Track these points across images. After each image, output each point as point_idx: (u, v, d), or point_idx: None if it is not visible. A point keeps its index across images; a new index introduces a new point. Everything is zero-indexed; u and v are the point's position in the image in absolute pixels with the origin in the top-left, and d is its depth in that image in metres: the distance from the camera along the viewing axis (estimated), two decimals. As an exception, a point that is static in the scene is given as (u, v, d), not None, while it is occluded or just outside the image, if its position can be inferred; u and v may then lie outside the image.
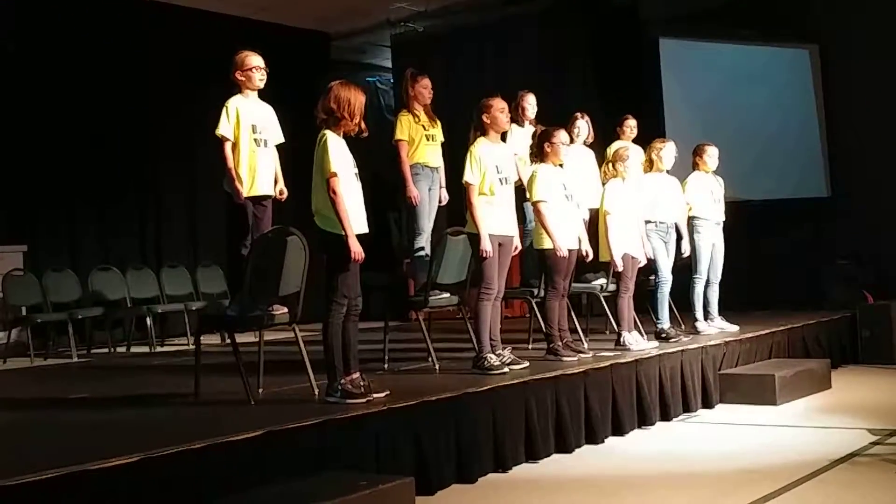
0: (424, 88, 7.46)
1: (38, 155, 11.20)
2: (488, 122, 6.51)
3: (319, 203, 5.44)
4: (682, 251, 8.33)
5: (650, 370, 7.11)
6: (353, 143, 5.61)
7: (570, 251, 7.03)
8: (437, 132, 7.53)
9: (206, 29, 12.30)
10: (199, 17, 12.45)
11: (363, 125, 5.53)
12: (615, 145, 8.61)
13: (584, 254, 7.18)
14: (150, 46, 12.13)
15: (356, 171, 5.56)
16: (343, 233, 5.34)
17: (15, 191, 11.14)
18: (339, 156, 5.41)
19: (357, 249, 5.35)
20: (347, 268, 5.38)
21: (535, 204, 6.94)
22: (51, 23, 11.42)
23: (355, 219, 5.44)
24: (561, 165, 7.16)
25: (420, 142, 7.39)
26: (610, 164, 7.77)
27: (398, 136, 7.37)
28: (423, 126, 7.42)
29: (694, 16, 12.22)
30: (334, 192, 5.33)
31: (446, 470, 5.36)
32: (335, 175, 5.34)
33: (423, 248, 7.35)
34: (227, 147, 6.05)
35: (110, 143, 11.83)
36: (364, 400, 5.28)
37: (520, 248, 6.81)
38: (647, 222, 8.01)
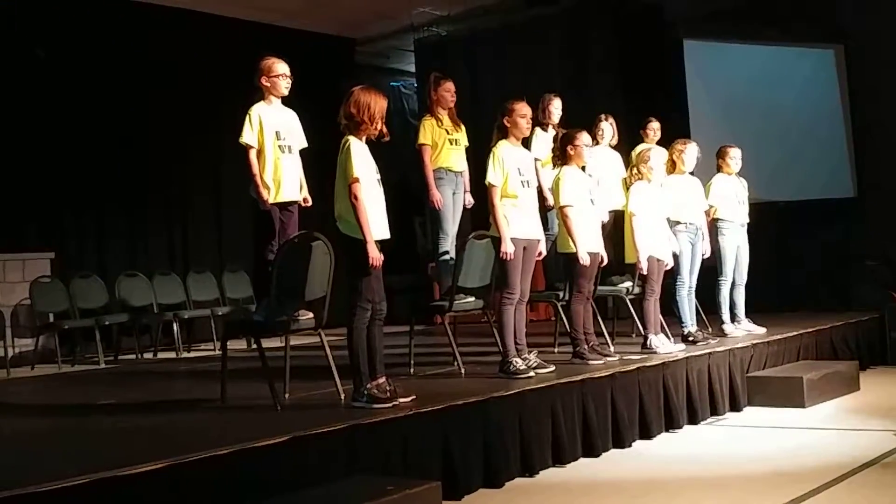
0: (447, 92, 7.44)
1: (65, 162, 11.30)
2: (509, 125, 6.50)
3: (342, 208, 5.45)
4: (704, 252, 8.29)
5: (677, 373, 7.08)
6: (378, 147, 5.62)
7: (594, 254, 7.01)
8: (461, 136, 7.52)
9: (232, 36, 12.38)
10: (225, 24, 12.54)
11: (385, 129, 5.54)
12: (639, 148, 8.60)
13: (601, 259, 7.15)
14: (176, 53, 12.20)
15: (378, 176, 5.57)
16: (363, 237, 5.35)
17: (42, 198, 11.22)
18: (361, 161, 5.43)
19: (375, 255, 5.36)
20: (369, 272, 5.39)
21: (561, 208, 6.92)
22: (79, 29, 11.51)
23: (376, 224, 5.45)
24: (583, 168, 7.14)
25: (443, 146, 7.38)
26: (636, 166, 7.75)
27: (421, 140, 7.36)
28: (447, 130, 7.41)
29: (718, 17, 12.16)
30: (355, 198, 5.35)
31: (473, 474, 5.35)
32: (357, 180, 5.36)
33: (447, 252, 7.34)
34: (252, 154, 6.06)
35: (137, 150, 11.92)
36: (390, 404, 5.28)
37: (544, 253, 6.79)
38: (677, 223, 7.98)
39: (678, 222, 8.00)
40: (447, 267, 7.21)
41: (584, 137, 7.07)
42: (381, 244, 5.48)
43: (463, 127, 7.55)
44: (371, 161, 5.54)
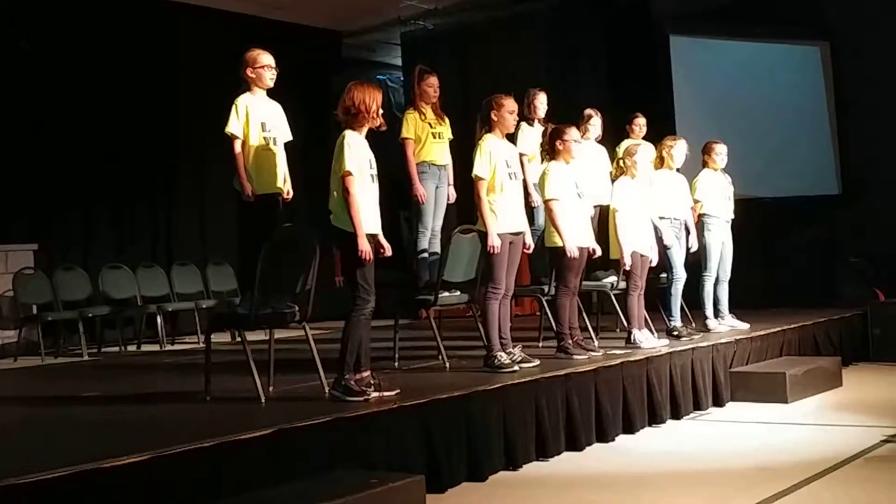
0: (430, 87, 7.43)
1: (49, 154, 11.22)
2: (496, 119, 6.48)
3: (335, 203, 5.48)
4: (689, 247, 8.32)
5: (661, 368, 7.10)
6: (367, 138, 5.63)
7: (581, 249, 7.02)
8: (445, 130, 7.51)
9: (218, 27, 12.30)
10: (211, 15, 12.46)
11: (382, 121, 5.57)
12: (625, 143, 8.61)
13: (591, 251, 7.16)
14: (161, 45, 12.14)
15: (374, 171, 5.58)
16: (353, 231, 5.36)
17: (26, 190, 11.16)
18: (356, 155, 5.44)
19: (366, 249, 5.37)
20: (363, 263, 5.40)
21: (547, 202, 6.93)
22: (64, 21, 11.44)
23: (368, 218, 5.47)
24: (570, 163, 7.14)
25: (427, 140, 7.38)
26: (621, 161, 7.76)
27: (404, 134, 7.36)
28: (430, 124, 7.40)
29: (705, 13, 12.20)
30: (347, 192, 5.36)
31: (457, 468, 5.36)
32: (350, 174, 5.38)
33: (425, 250, 7.35)
34: (237, 145, 6.06)
35: (122, 143, 11.84)
36: (362, 398, 5.30)
37: (531, 246, 6.80)
38: (663, 218, 8.00)
39: (663, 217, 8.02)
40: (424, 263, 7.23)
41: (573, 133, 7.07)
42: (371, 237, 5.49)
43: (447, 120, 7.53)
44: (367, 156, 5.55)
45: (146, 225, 12.40)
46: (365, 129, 5.54)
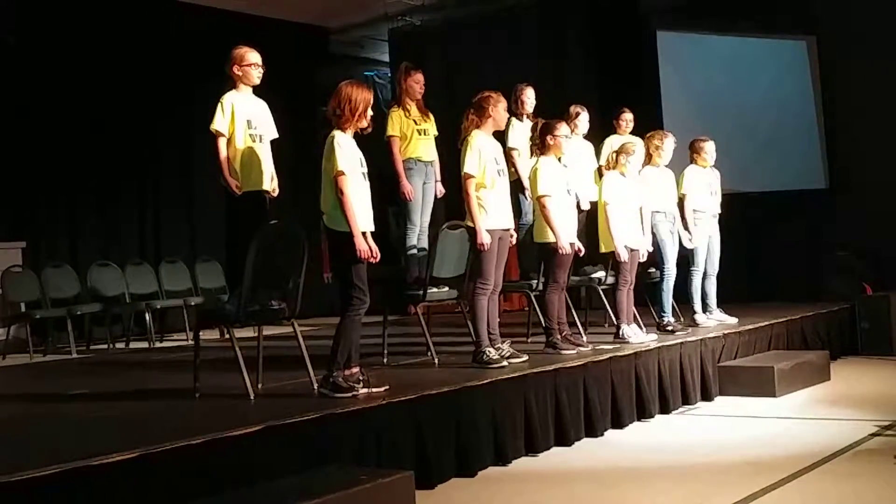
0: (416, 83, 7.45)
1: (37, 151, 11.20)
2: (492, 115, 6.48)
3: (327, 204, 5.47)
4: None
5: (649, 363, 7.11)
6: (355, 136, 5.62)
7: (570, 245, 7.02)
8: (430, 126, 7.52)
9: (204, 24, 12.27)
10: (197, 11, 12.43)
11: (370, 121, 5.56)
12: (611, 139, 8.61)
13: (577, 250, 7.15)
14: (148, 41, 12.10)
15: (365, 169, 5.59)
16: (349, 230, 5.36)
17: (14, 187, 11.14)
18: (347, 155, 5.45)
19: (363, 248, 5.38)
20: (356, 262, 5.40)
21: (539, 198, 6.91)
22: (50, 17, 11.41)
23: (362, 217, 5.47)
24: (559, 159, 7.15)
25: (412, 136, 7.40)
26: (614, 155, 7.74)
27: (389, 131, 7.37)
28: (415, 121, 7.42)
29: (692, 8, 12.21)
30: (341, 192, 5.37)
31: (446, 463, 5.36)
32: (342, 174, 5.38)
33: (414, 247, 7.36)
34: (221, 142, 6.05)
35: (109, 139, 11.83)
36: (350, 394, 5.31)
37: (515, 238, 6.81)
38: (656, 213, 8.01)
39: (657, 212, 8.03)
40: (414, 260, 7.23)
41: (563, 128, 7.08)
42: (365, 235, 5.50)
43: (432, 116, 7.56)
44: (357, 155, 5.56)
45: (134, 222, 12.40)
46: (353, 129, 5.54)
